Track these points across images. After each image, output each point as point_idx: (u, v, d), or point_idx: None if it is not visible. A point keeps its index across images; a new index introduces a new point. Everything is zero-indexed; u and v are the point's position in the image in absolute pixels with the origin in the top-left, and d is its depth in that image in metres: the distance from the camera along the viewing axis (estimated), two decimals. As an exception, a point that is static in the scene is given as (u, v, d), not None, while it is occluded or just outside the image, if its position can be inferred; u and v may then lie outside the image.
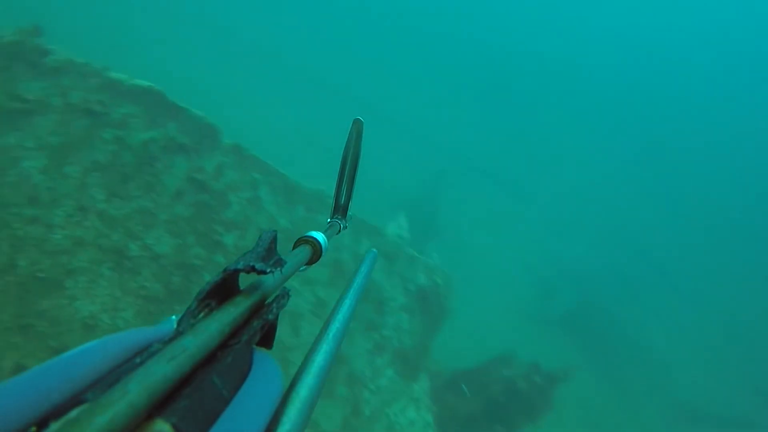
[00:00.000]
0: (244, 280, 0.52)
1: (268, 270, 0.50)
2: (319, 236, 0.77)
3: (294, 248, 0.74)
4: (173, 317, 0.47)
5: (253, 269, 0.49)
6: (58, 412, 0.31)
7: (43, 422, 0.31)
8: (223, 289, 0.48)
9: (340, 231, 1.03)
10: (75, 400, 0.33)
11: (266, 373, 0.46)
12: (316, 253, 0.76)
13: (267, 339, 0.53)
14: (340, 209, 1.10)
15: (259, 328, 0.50)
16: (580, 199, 20.41)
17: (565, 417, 8.79)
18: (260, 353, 0.49)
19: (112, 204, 4.90)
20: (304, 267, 0.73)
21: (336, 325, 0.59)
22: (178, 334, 0.40)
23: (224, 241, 5.40)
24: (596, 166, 23.65)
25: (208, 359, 0.41)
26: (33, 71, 5.17)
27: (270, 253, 0.54)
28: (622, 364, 13.31)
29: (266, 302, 0.53)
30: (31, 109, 5.00)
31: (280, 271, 0.54)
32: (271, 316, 0.51)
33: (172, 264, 4.98)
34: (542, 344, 11.34)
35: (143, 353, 0.38)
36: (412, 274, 6.62)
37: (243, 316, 0.48)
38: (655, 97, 30.24)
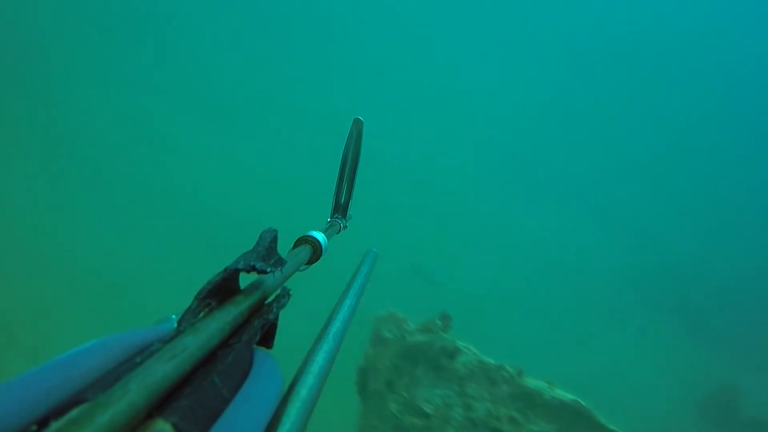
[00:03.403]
0: (245, 280, 0.52)
1: (269, 269, 0.50)
2: (320, 236, 0.78)
3: (294, 248, 0.74)
4: (173, 316, 0.47)
5: (253, 269, 0.49)
6: (58, 411, 0.32)
7: (43, 422, 0.31)
8: (224, 289, 0.48)
9: (340, 230, 1.05)
10: (75, 399, 0.33)
11: (266, 372, 0.46)
12: (316, 252, 0.76)
13: (267, 338, 0.53)
14: (340, 209, 1.12)
15: (260, 328, 0.50)
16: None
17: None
18: (260, 353, 0.49)
19: None
20: (304, 266, 0.74)
21: (337, 325, 0.59)
22: (179, 333, 0.40)
23: None
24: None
25: (209, 358, 0.41)
26: (436, 375, 4.36)
27: (270, 253, 0.54)
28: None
29: (266, 302, 0.54)
30: (429, 426, 4.15)
31: (281, 270, 0.54)
32: (271, 316, 0.52)
33: None
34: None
35: (143, 352, 0.38)
36: None
37: (243, 316, 0.48)
38: None
